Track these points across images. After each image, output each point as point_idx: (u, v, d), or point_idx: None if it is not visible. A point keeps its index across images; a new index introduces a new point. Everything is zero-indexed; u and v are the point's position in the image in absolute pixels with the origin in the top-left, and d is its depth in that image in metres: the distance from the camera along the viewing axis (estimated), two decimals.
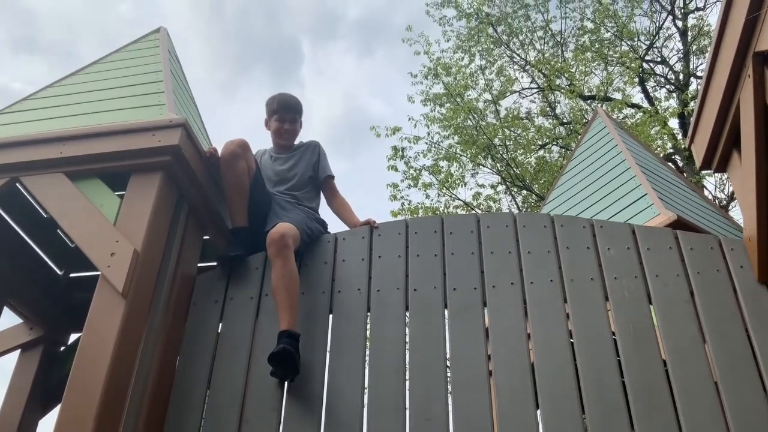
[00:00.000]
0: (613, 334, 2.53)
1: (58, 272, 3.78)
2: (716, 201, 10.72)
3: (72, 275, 3.82)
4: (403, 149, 11.07)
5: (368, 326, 2.69)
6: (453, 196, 10.79)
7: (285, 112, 3.35)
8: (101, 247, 2.49)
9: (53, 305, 3.68)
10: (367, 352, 2.62)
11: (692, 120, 3.05)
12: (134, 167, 2.75)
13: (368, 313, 2.72)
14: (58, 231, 3.76)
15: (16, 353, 3.61)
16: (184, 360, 2.68)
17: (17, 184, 2.83)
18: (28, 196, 3.13)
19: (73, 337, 3.80)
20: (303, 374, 2.52)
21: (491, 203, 10.83)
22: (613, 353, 2.47)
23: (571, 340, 2.52)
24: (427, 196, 11.39)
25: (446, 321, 2.64)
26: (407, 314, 2.70)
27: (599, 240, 2.80)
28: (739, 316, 2.50)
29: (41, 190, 2.73)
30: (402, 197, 11.35)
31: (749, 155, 2.58)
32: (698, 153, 3.00)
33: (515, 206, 10.90)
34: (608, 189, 4.85)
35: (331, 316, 2.74)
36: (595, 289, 2.65)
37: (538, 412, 2.38)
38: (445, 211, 10.79)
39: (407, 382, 2.51)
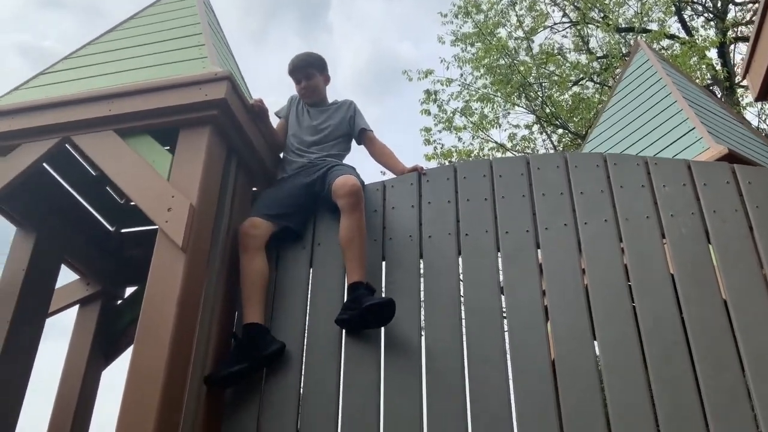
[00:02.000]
0: (671, 272, 2.51)
1: (110, 228, 3.86)
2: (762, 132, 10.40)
3: (123, 231, 3.90)
4: (435, 92, 10.91)
5: (421, 273, 2.70)
6: (487, 138, 10.67)
7: (297, 72, 3.34)
8: (158, 202, 2.52)
9: (107, 261, 3.77)
10: (422, 298, 2.64)
11: (747, 50, 2.95)
12: (182, 122, 2.75)
13: (420, 260, 2.73)
14: (107, 188, 3.82)
15: (75, 308, 3.73)
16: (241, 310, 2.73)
17: (68, 144, 2.86)
18: (78, 156, 3.18)
19: (128, 291, 3.91)
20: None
21: (526, 143, 10.69)
22: (671, 292, 2.46)
23: (628, 283, 2.50)
24: (460, 139, 11.28)
25: (499, 265, 2.64)
26: (460, 259, 2.70)
27: (654, 177, 2.75)
28: None
29: (93, 149, 2.76)
30: (434, 141, 11.26)
31: None
32: (754, 84, 2.90)
33: (551, 145, 10.76)
34: (654, 124, 4.73)
35: (383, 263, 2.75)
36: (652, 227, 2.62)
37: (597, 350, 2.39)
38: (480, 154, 10.68)
39: (463, 327, 2.53)
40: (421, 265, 2.72)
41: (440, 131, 10.99)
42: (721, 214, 2.60)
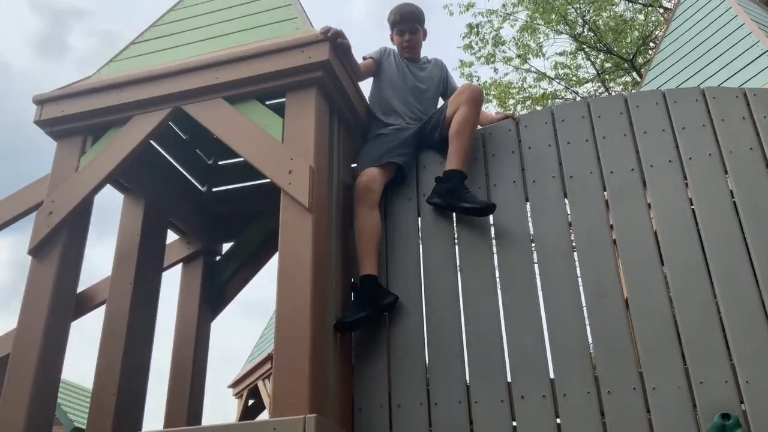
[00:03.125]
0: None
1: (201, 188, 4.02)
2: None
3: (214, 190, 4.05)
4: (477, 25, 10.78)
5: (528, 217, 2.82)
6: (529, 69, 10.54)
7: (404, 24, 3.35)
8: (278, 166, 2.64)
9: (203, 220, 3.94)
10: (532, 239, 2.76)
11: None
12: (289, 85, 2.84)
13: (527, 203, 2.84)
14: (197, 150, 3.96)
15: (179, 267, 3.93)
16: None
17: (179, 114, 2.97)
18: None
19: (225, 246, 4.09)
20: None
21: (569, 71, 10.56)
22: None
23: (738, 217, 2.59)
24: (495, 71, 11.17)
25: (608, 203, 2.74)
26: (566, 201, 2.80)
27: (753, 109, 2.79)
28: None
29: (205, 117, 2.87)
30: (470, 74, 11.16)
31: None
32: None
33: (594, 71, 10.61)
34: (721, 48, 4.69)
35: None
36: (756, 159, 2.68)
37: (714, 287, 2.50)
38: (523, 85, 10.59)
39: (576, 264, 2.66)
40: (528, 209, 2.83)
41: (481, 65, 10.93)
42: None
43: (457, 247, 2.82)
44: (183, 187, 3.84)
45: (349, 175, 3.10)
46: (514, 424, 2.46)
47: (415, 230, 2.91)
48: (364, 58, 3.33)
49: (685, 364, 2.41)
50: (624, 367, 2.46)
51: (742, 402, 2.30)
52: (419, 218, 2.94)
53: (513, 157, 2.94)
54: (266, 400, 9.47)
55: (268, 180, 3.76)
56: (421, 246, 2.87)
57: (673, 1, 11.21)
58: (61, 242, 2.82)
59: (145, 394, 3.22)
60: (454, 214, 2.85)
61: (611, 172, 2.80)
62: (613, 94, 11.09)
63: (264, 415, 9.89)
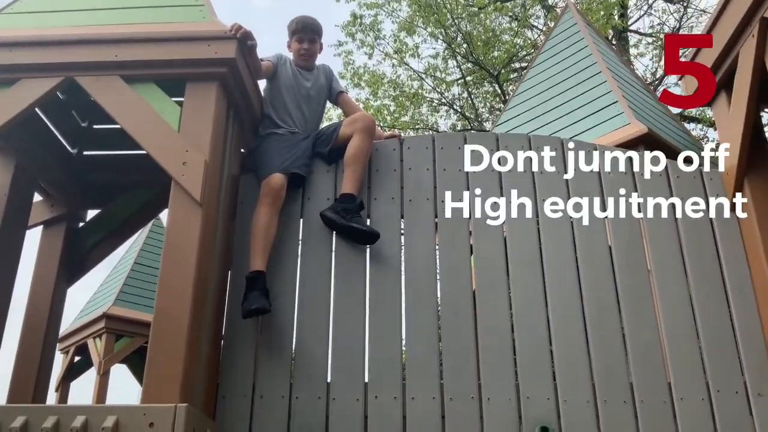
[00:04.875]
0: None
1: (71, 150, 3.89)
2: (647, 81, 11.34)
3: (85, 153, 3.94)
4: (361, 16, 10.98)
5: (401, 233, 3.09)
6: (408, 66, 10.92)
7: (305, 33, 3.49)
8: (172, 156, 2.69)
9: (70, 184, 3.83)
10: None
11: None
12: (190, 75, 2.88)
13: (402, 220, 3.11)
14: (72, 111, 3.83)
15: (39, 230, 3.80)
16: (237, 253, 3.01)
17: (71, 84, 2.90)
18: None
19: (90, 214, 4.00)
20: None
21: (439, 74, 11.06)
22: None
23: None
24: (370, 57, 11.47)
25: (471, 230, 3.08)
26: (436, 223, 3.11)
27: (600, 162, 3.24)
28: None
29: (99, 93, 2.84)
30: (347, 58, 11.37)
31: (740, 102, 3.02)
32: (688, 84, 3.40)
33: (460, 74, 11.18)
34: (577, 91, 5.19)
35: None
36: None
37: (549, 318, 2.90)
38: (397, 79, 10.95)
39: (438, 283, 2.97)
40: (402, 225, 3.10)
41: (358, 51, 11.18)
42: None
43: (333, 254, 3.02)
44: (54, 149, 3.71)
45: (237, 167, 3.19)
46: (366, 419, 2.73)
47: (296, 233, 3.07)
48: (262, 60, 3.44)
49: (517, 380, 2.80)
50: (466, 378, 2.80)
51: (559, 417, 2.72)
52: (301, 220, 3.11)
53: (394, 175, 3.19)
54: (95, 359, 9.15)
55: (143, 152, 3.78)
56: (300, 249, 3.04)
57: (540, 22, 12.08)
58: None
59: None
60: None
61: (480, 202, 3.13)
62: (477, 100, 11.81)
63: (91, 373, 9.56)
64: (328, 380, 2.79)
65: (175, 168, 2.67)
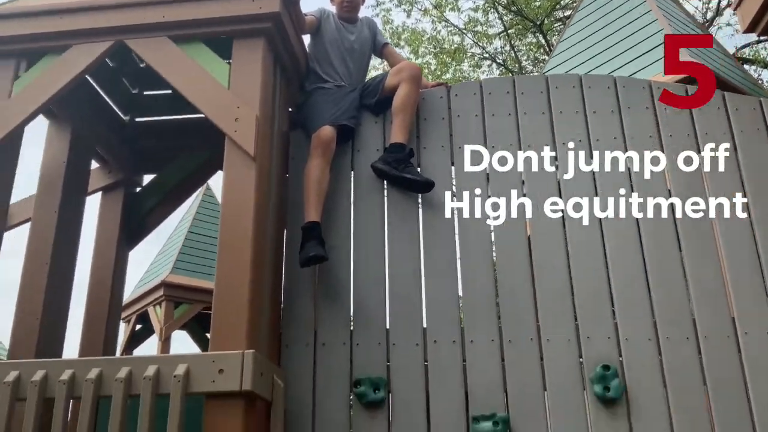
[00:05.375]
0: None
1: (123, 117, 3.98)
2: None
3: (137, 120, 4.02)
4: None
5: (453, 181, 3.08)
6: (441, 18, 10.73)
7: None
8: (224, 112, 2.72)
9: (127, 151, 3.92)
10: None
11: None
12: (236, 32, 2.89)
13: (452, 167, 3.10)
14: (123, 79, 3.91)
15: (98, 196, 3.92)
16: (292, 208, 3.05)
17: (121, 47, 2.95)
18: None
19: (146, 178, 4.10)
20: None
21: (480, 27, 10.85)
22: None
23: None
24: (408, 15, 11.32)
25: (523, 176, 3.05)
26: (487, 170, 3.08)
27: (656, 100, 3.15)
28: None
29: (149, 54, 2.88)
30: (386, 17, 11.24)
31: None
32: (744, 17, 3.27)
33: (502, 27, 10.94)
34: (627, 32, 5.04)
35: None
36: (654, 144, 3.07)
37: (607, 258, 2.88)
38: (437, 36, 10.79)
39: (491, 229, 2.97)
40: (453, 173, 3.09)
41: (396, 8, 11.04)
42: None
43: (386, 204, 3.04)
44: (108, 116, 3.80)
45: (286, 123, 3.22)
46: (426, 364, 2.77)
47: (348, 185, 3.09)
48: (305, 15, 3.42)
49: (576, 321, 2.79)
50: (524, 321, 2.80)
51: (620, 356, 2.71)
52: (352, 172, 3.13)
53: (443, 123, 3.17)
54: (156, 326, 9.45)
55: (193, 116, 3.85)
56: (352, 200, 3.07)
57: None
58: None
59: (67, 319, 3.28)
60: None
61: (528, 145, 3.09)
62: (520, 53, 11.56)
63: (152, 341, 9.90)
64: (387, 326, 2.83)
65: (227, 124, 2.71)
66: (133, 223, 3.92)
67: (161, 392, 2.29)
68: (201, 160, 4.00)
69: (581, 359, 2.72)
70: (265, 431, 2.49)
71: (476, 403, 2.68)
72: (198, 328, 10.37)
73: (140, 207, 3.97)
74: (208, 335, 10.48)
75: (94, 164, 3.86)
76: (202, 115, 2.80)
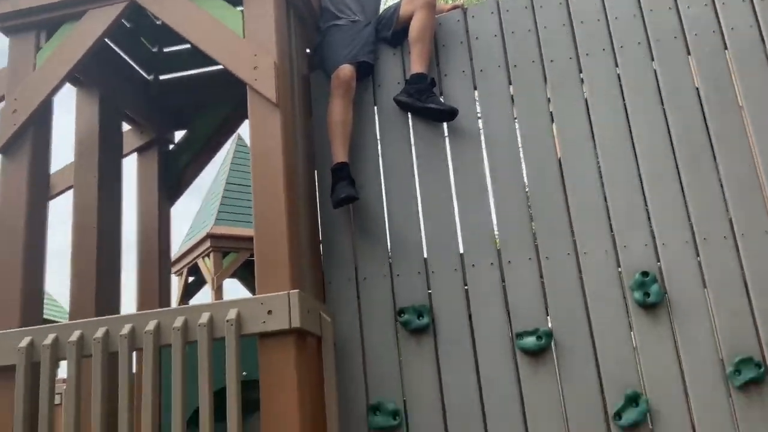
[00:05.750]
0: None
1: (147, 77, 4.03)
2: None
3: (161, 78, 4.07)
4: None
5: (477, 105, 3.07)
6: None
7: None
8: (242, 62, 2.74)
9: (154, 110, 4.00)
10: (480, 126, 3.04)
11: None
12: None
13: (475, 91, 3.09)
14: (141, 38, 3.94)
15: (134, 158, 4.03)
16: (320, 150, 3.09)
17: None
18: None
19: (177, 135, 4.18)
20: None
21: None
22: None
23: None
24: None
25: (549, 92, 3.02)
26: (510, 90, 3.06)
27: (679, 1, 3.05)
28: None
29: (162, 11, 2.90)
30: None
31: None
32: None
33: None
34: None
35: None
36: (679, 46, 2.98)
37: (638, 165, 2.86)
38: None
39: (520, 148, 2.96)
40: (476, 97, 3.08)
41: None
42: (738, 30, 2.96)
43: (412, 135, 3.05)
44: (132, 77, 3.86)
45: (305, 65, 3.22)
46: (466, 288, 2.83)
47: (372, 121, 3.11)
48: None
49: (612, 231, 2.80)
50: (560, 236, 2.83)
51: (658, 261, 2.73)
52: (375, 107, 3.14)
53: (462, 48, 3.14)
54: (207, 276, 9.75)
55: (215, 68, 3.88)
56: (378, 136, 3.09)
57: None
58: (29, 138, 2.88)
59: (120, 278, 3.43)
60: None
61: (551, 61, 3.05)
62: None
63: (205, 291, 10.23)
64: (425, 256, 2.90)
65: (247, 73, 2.73)
66: (170, 180, 4.03)
67: (216, 337, 2.41)
68: (228, 111, 4.06)
69: (620, 269, 2.75)
70: (319, 365, 2.62)
71: (519, 321, 2.75)
72: (247, 274, 10.67)
73: (176, 163, 4.07)
74: None
75: (126, 127, 3.96)
76: (222, 66, 2.83)
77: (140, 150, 3.97)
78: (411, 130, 3.07)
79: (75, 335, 2.50)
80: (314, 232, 2.96)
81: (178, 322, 2.44)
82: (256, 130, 2.70)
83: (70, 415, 2.42)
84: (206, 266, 9.96)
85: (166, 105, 4.06)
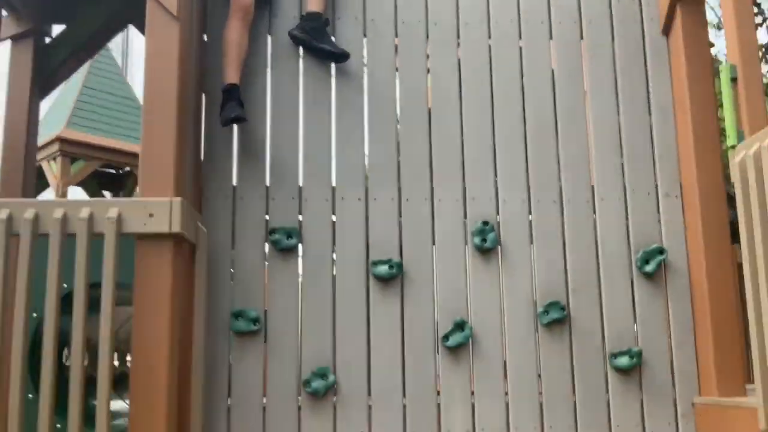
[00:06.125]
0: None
1: None
2: None
3: None
4: None
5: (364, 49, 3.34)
6: None
7: None
8: None
9: None
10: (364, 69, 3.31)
11: None
12: None
13: (364, 38, 3.35)
14: None
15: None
16: (211, 64, 3.23)
17: None
18: None
19: (55, 29, 4.05)
20: None
21: None
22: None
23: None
24: None
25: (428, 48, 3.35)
26: (396, 40, 3.35)
27: None
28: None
29: None
30: None
31: None
32: None
33: None
34: None
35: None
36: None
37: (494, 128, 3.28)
38: None
39: (397, 91, 3.28)
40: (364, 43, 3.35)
41: None
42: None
43: (301, 69, 3.27)
44: None
45: None
46: (334, 218, 3.15)
47: (264, 49, 3.28)
48: None
49: (464, 184, 3.22)
50: (420, 181, 3.21)
51: (498, 214, 3.19)
52: (269, 37, 3.31)
53: None
54: (52, 181, 9.31)
55: None
56: (269, 63, 3.27)
57: None
58: None
59: None
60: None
61: (435, 23, 3.37)
62: None
63: (48, 193, 9.77)
64: (300, 184, 3.16)
65: None
66: (44, 73, 3.93)
67: (96, 232, 2.54)
68: (111, 12, 3.99)
69: (465, 218, 3.18)
70: (191, 271, 2.82)
71: (376, 251, 3.11)
72: (94, 185, 10.29)
73: (51, 58, 3.96)
74: (105, 193, 10.46)
75: (3, 13, 3.80)
76: None
77: (15, 38, 3.82)
78: (301, 64, 3.28)
79: None
80: (197, 146, 3.11)
81: (58, 213, 2.54)
82: (152, 41, 2.78)
83: None
84: (51, 170, 9.50)
85: None
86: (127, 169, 9.72)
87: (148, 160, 2.68)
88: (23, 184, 3.67)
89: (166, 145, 2.69)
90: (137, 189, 10.13)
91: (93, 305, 2.51)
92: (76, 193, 9.83)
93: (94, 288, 2.51)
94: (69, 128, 9.00)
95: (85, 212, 2.54)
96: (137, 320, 2.54)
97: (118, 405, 3.30)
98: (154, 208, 2.57)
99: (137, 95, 9.97)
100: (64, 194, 9.14)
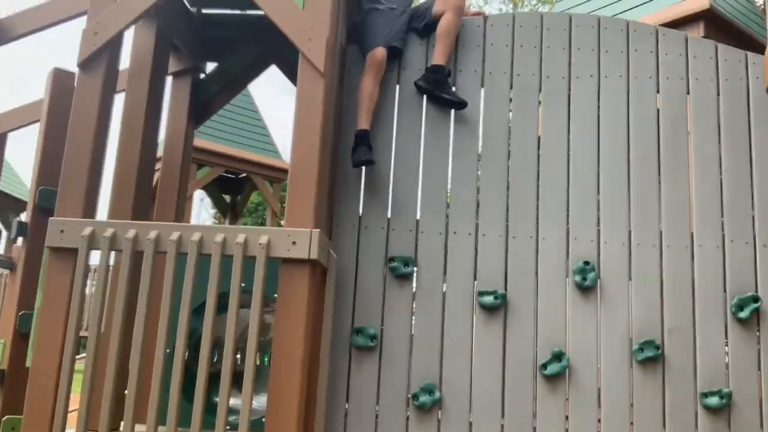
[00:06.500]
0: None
1: (191, 9, 4.48)
2: None
3: (203, 11, 4.52)
4: None
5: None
6: None
7: None
8: (300, 32, 3.25)
9: (193, 39, 4.46)
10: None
11: None
12: None
13: (482, 89, 3.70)
14: None
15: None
16: (346, 111, 3.68)
17: None
18: None
19: (209, 66, 4.66)
20: None
21: None
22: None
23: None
24: None
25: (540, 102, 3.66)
26: (511, 94, 3.68)
27: (660, 46, 3.70)
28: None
29: None
30: None
31: None
32: None
33: None
34: None
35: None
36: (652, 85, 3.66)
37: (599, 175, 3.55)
38: None
39: (509, 143, 3.62)
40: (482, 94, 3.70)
41: None
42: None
43: (423, 115, 3.67)
44: (180, 8, 4.30)
45: (345, 39, 3.76)
46: (446, 249, 3.52)
47: (393, 97, 3.70)
48: None
49: (568, 225, 3.51)
50: (526, 220, 3.52)
51: (599, 255, 3.46)
52: (397, 86, 3.73)
53: (477, 50, 3.73)
54: None
55: (253, 12, 4.35)
56: (396, 111, 3.68)
57: None
58: (105, 59, 3.36)
59: (152, 185, 3.97)
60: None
61: (547, 77, 3.67)
62: None
63: None
64: (417, 217, 3.55)
65: (302, 42, 3.26)
66: (199, 105, 4.53)
67: (248, 255, 3.03)
68: (257, 54, 4.55)
69: (567, 258, 3.47)
70: (322, 290, 3.27)
71: (483, 282, 3.46)
72: (216, 189, 11.17)
73: (206, 91, 4.57)
74: (225, 197, 11.29)
75: None
76: (261, 12, 3.33)
77: (176, 75, 4.44)
78: (423, 112, 3.68)
79: (130, 233, 3.08)
80: (333, 182, 3.56)
81: (219, 238, 3.04)
82: (302, 92, 3.25)
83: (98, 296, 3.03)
84: None
85: (204, 37, 4.52)
86: (244, 174, 10.51)
87: (293, 196, 3.14)
88: (177, 206, 4.27)
89: (309, 184, 3.14)
90: (252, 193, 10.88)
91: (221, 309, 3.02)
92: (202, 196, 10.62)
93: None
94: (197, 137, 9.80)
95: (240, 238, 3.03)
96: (278, 330, 3.00)
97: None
98: (297, 237, 3.03)
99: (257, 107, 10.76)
100: (189, 196, 10.01)
